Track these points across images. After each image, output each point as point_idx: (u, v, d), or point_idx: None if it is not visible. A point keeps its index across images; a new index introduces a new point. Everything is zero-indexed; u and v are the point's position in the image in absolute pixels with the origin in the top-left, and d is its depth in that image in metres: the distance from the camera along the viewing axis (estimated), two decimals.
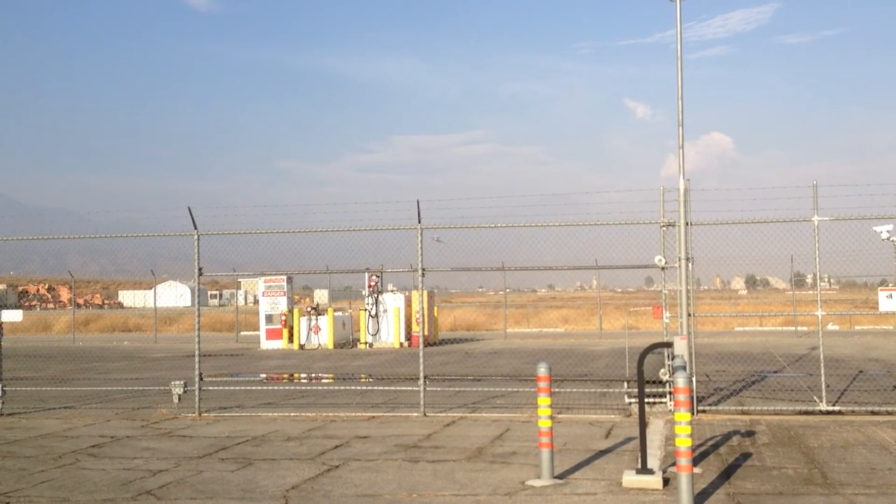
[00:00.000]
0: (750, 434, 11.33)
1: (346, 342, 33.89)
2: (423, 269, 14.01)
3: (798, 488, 8.28)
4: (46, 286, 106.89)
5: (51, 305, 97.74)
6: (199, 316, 14.96)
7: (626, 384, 14.04)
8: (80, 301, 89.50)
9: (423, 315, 15.11)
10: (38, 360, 28.21)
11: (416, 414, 13.56)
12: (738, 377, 18.31)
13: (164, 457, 10.51)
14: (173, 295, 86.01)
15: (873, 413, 12.81)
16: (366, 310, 32.78)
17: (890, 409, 12.94)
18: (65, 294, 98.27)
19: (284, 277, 33.30)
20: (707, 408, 13.42)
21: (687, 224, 13.11)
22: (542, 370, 9.07)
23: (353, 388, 17.75)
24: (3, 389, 14.40)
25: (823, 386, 13.15)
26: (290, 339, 33.00)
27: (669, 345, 11.51)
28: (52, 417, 14.18)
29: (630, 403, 13.40)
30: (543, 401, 8.92)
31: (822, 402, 13.02)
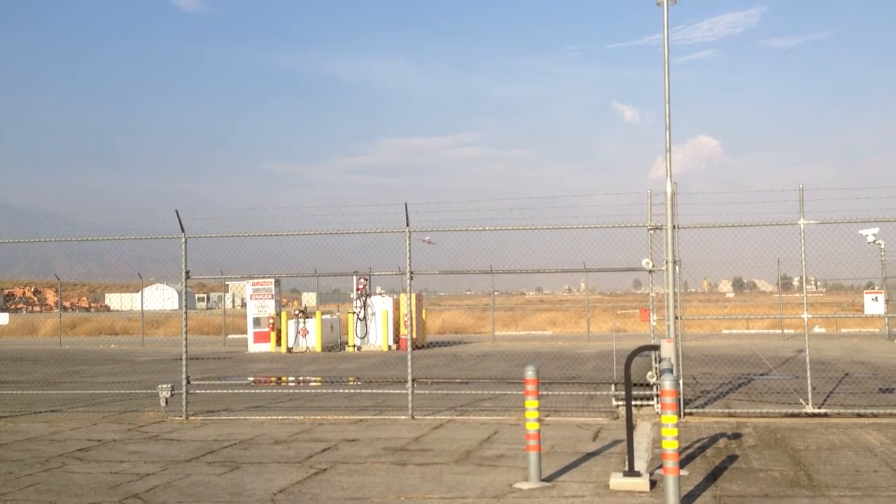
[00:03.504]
0: (736, 436, 11.39)
1: (334, 345, 33.85)
2: (412, 272, 14.02)
3: (784, 490, 8.33)
4: (32, 289, 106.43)
5: (37, 308, 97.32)
6: (186, 319, 14.93)
7: (613, 387, 14.08)
8: (67, 304, 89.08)
9: (411, 318, 15.08)
10: (25, 363, 28.06)
11: (403, 417, 13.56)
12: (724, 380, 18.38)
13: (151, 460, 10.48)
14: (160, 298, 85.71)
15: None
16: (354, 313, 32.75)
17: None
18: (51, 297, 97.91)
19: (272, 280, 33.25)
20: (694, 410, 13.48)
21: (674, 227, 13.17)
22: (530, 373, 9.09)
23: (340, 391, 17.73)
24: None
25: (810, 388, 13.21)
26: (278, 343, 32.94)
27: (657, 347, 11.57)
28: (39, 421, 14.11)
29: (617, 406, 13.43)
30: (531, 403, 8.94)
31: (808, 404, 13.09)
